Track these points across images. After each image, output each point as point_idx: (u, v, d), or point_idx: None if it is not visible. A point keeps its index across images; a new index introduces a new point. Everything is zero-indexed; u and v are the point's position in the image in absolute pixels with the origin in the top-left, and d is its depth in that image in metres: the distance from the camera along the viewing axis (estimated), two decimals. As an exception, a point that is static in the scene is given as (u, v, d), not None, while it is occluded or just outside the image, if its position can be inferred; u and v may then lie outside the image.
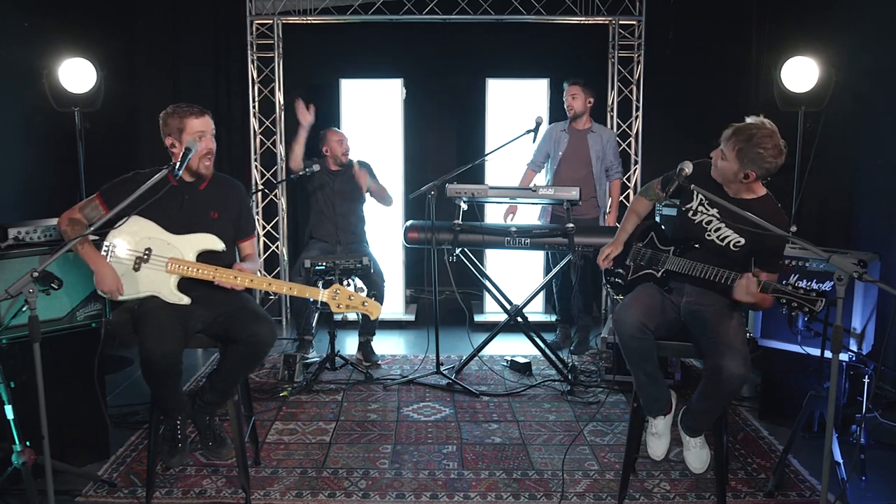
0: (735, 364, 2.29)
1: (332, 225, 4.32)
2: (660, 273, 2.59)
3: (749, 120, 2.43)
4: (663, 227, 2.77)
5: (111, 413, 3.17)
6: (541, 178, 4.56)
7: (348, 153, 4.32)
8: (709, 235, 2.52)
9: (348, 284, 3.68)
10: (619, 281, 2.74)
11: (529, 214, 4.68)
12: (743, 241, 2.44)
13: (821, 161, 4.07)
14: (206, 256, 2.54)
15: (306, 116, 4.17)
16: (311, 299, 2.55)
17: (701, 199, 2.53)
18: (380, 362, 4.18)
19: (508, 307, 4.09)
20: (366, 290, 4.13)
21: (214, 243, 2.56)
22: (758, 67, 5.03)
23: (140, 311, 2.46)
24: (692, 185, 2.43)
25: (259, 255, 5.15)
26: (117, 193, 2.43)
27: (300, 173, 4.22)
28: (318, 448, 3.09)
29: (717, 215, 2.50)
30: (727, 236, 2.48)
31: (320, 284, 3.42)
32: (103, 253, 2.52)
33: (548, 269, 4.52)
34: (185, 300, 2.50)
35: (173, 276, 2.50)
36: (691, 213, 2.56)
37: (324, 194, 4.33)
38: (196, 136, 2.52)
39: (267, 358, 4.19)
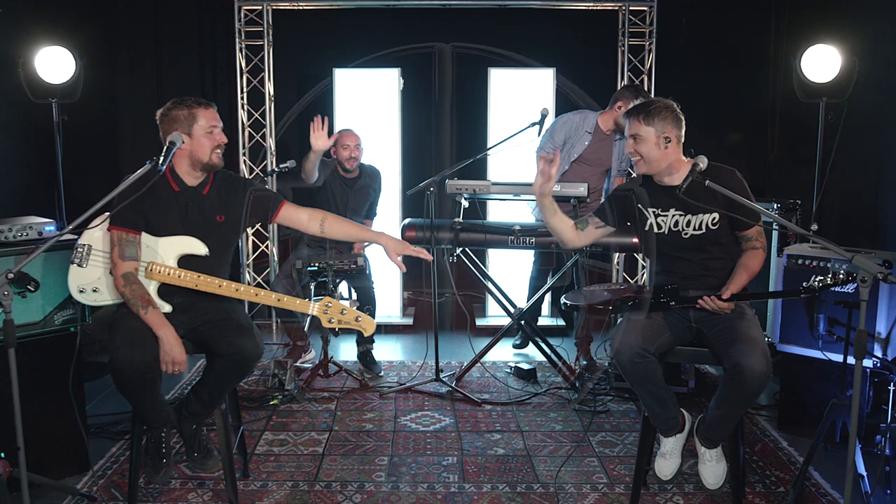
0: (756, 361, 2.31)
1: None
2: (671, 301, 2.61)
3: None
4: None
5: (91, 423, 3.17)
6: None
7: (356, 161, 4.16)
8: (686, 234, 2.57)
9: (340, 298, 3.67)
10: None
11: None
12: (716, 214, 2.50)
13: (843, 155, 4.08)
14: (187, 261, 2.53)
15: (319, 140, 3.78)
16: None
17: (653, 212, 2.60)
18: (381, 373, 4.18)
19: (512, 310, 4.10)
20: (356, 296, 4.13)
21: (196, 247, 2.53)
22: (776, 56, 5.03)
23: (115, 317, 2.47)
24: (639, 203, 2.51)
25: (248, 255, 5.15)
26: (126, 208, 2.41)
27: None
28: (311, 460, 3.09)
29: (680, 212, 2.56)
30: (702, 220, 2.55)
31: (311, 296, 3.41)
32: (77, 254, 2.52)
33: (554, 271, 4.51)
34: (166, 308, 2.50)
35: (153, 282, 2.50)
36: (655, 228, 2.62)
37: (331, 202, 4.18)
38: (208, 130, 2.52)
39: (257, 364, 4.20)
